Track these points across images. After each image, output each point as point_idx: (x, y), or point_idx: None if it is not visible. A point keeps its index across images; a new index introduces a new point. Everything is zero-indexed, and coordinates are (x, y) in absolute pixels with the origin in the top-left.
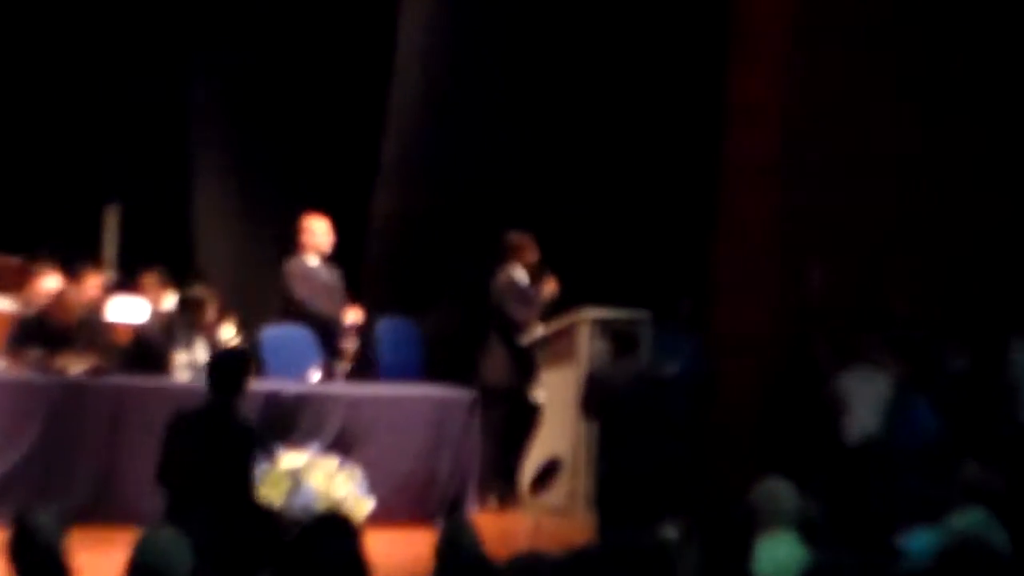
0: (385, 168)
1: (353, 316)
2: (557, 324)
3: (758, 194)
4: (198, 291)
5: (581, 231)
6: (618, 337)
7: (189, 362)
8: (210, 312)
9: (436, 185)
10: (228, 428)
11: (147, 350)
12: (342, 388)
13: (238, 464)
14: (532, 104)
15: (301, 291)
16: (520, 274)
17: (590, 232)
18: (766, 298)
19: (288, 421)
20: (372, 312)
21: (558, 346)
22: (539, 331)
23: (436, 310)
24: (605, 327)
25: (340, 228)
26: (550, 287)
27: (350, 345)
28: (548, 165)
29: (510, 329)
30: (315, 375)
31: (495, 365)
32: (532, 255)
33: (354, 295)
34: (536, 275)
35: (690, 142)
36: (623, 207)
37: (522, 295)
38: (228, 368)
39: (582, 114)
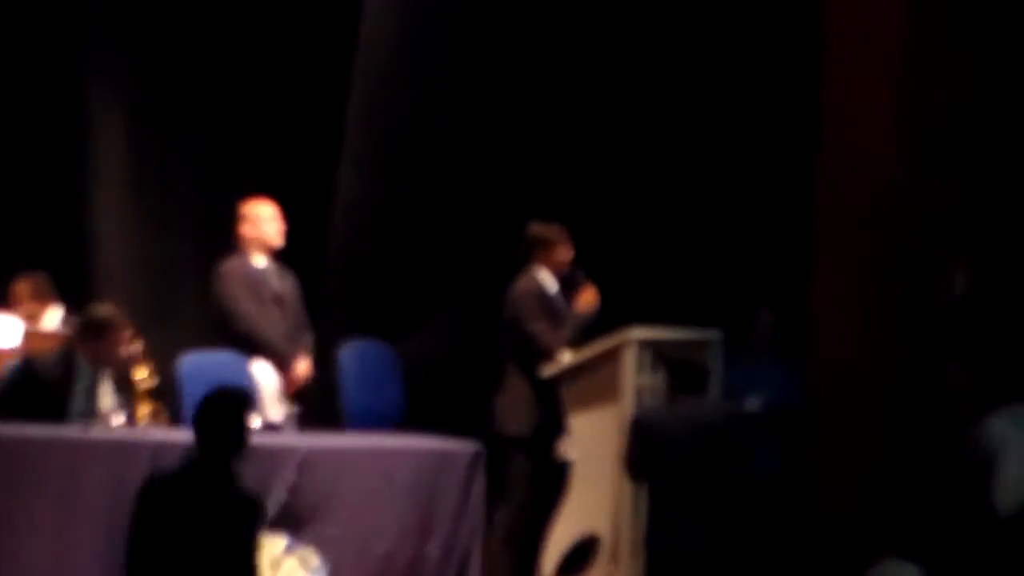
0: (350, 143)
1: (303, 367)
2: (592, 349)
3: (871, 177)
4: (104, 310)
5: (623, 227)
6: (677, 366)
7: (87, 407)
8: (120, 339)
9: (421, 163)
10: (228, 499)
11: (37, 389)
12: (292, 439)
13: (243, 548)
14: (555, 67)
15: (243, 301)
16: (547, 280)
17: (635, 229)
18: (884, 310)
19: None
20: (335, 332)
21: (594, 380)
22: (567, 359)
23: (424, 329)
24: (659, 352)
25: (290, 220)
26: (588, 299)
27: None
28: (578, 140)
29: (531, 356)
30: (254, 420)
31: (509, 407)
32: (564, 254)
33: (313, 311)
34: (569, 282)
35: (768, 109)
36: (678, 196)
37: (550, 308)
38: (224, 414)
39: (620, 81)
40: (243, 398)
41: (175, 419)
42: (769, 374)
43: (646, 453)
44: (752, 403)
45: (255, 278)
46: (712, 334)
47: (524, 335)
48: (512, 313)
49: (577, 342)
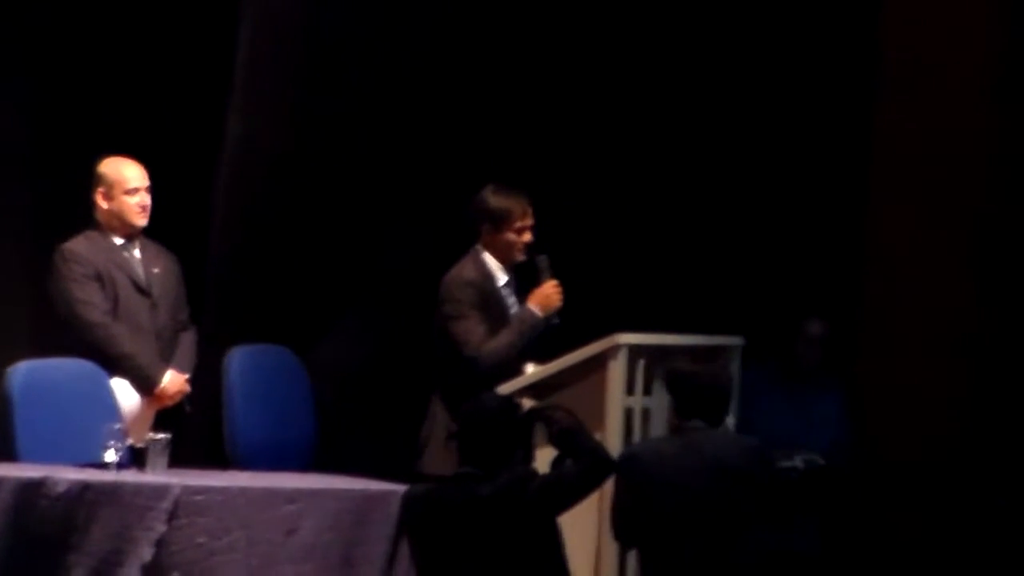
0: (238, 85)
1: (173, 379)
2: (567, 359)
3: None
4: None
5: (612, 203)
6: (684, 383)
7: None
8: None
9: (335, 109)
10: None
11: None
12: (160, 477)
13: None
14: None
15: (85, 299)
16: (495, 267)
17: (628, 206)
18: (963, 326)
19: (62, 537)
20: (219, 334)
21: (568, 400)
22: (529, 372)
23: (340, 331)
24: (656, 364)
25: (160, 187)
26: (547, 294)
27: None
28: (549, 85)
29: (470, 371)
30: (111, 454)
31: (433, 437)
32: (519, 234)
33: (191, 305)
34: (528, 273)
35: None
36: (682, 164)
37: (491, 304)
38: (492, 423)
39: (618, 28)
40: (507, 401)
41: (4, 449)
42: (815, 409)
43: (640, 504)
44: (794, 459)
45: (110, 265)
46: (730, 340)
47: (450, 338)
48: (440, 309)
49: (542, 352)
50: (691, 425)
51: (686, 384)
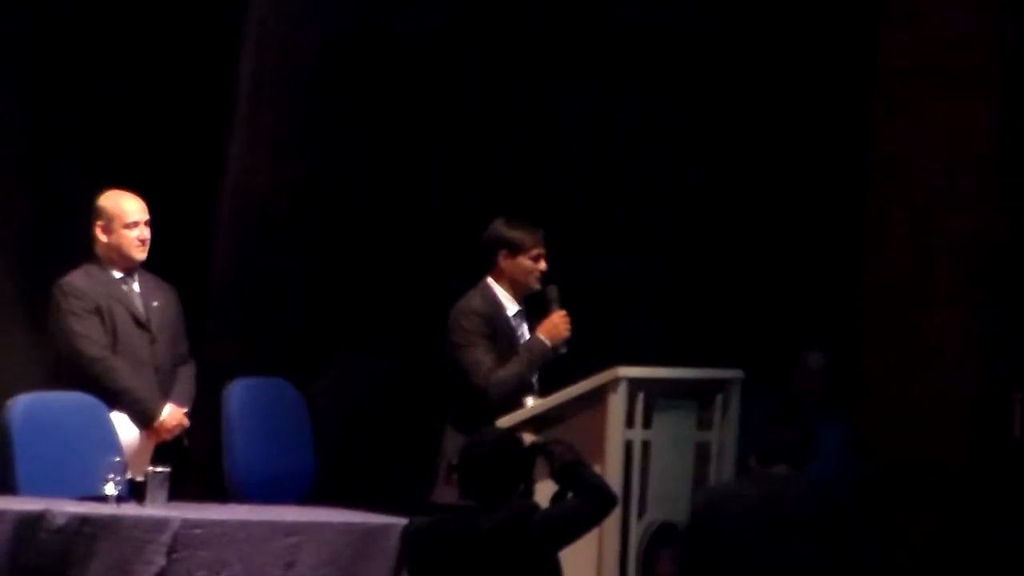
0: (240, 111)
1: (172, 413)
2: (568, 392)
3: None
4: None
5: (617, 238)
6: (767, 430)
7: None
8: None
9: (340, 136)
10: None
11: None
12: (159, 510)
13: None
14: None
15: (83, 333)
16: (505, 298)
17: (619, 242)
18: (962, 352)
19: (61, 570)
20: (219, 366)
21: (569, 433)
22: (529, 405)
23: (342, 363)
24: (655, 397)
25: (160, 218)
26: (555, 325)
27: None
28: (539, 119)
29: (479, 402)
30: (111, 487)
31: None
32: (532, 265)
33: (192, 337)
34: (538, 305)
35: (807, 96)
36: (673, 198)
37: (500, 335)
38: (493, 456)
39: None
40: (508, 435)
41: (3, 482)
42: (817, 442)
43: (722, 557)
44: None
45: (108, 299)
46: (729, 374)
47: (458, 368)
48: (448, 339)
49: (541, 387)
50: (775, 473)
51: (768, 430)
